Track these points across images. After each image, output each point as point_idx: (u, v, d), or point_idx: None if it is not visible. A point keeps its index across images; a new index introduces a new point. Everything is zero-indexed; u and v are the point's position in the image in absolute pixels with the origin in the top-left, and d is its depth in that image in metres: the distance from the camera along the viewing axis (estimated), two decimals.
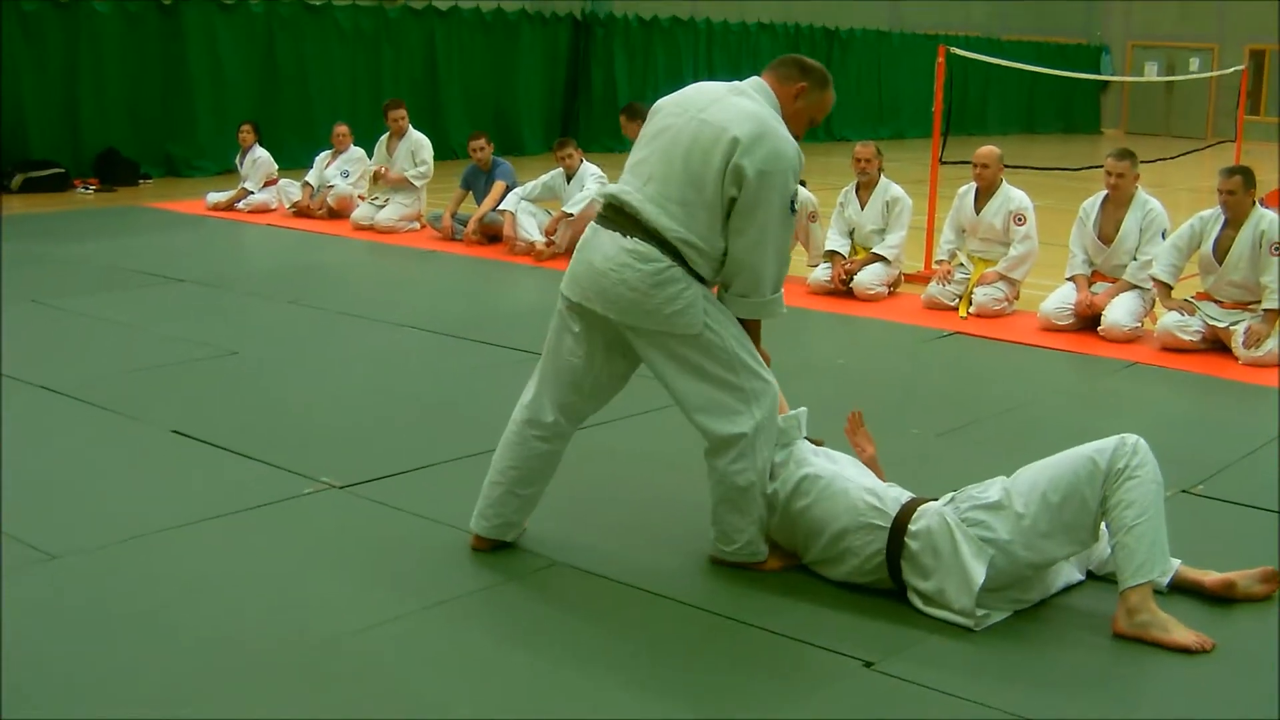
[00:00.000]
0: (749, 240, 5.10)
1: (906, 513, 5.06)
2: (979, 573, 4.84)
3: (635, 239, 5.09)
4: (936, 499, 5.14)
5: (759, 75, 5.38)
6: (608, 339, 5.31)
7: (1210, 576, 5.23)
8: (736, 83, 5.35)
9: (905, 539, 5.01)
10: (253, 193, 16.18)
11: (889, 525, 5.05)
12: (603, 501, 6.22)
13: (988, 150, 11.11)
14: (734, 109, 5.15)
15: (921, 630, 4.88)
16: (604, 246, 5.17)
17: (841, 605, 5.10)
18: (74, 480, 6.34)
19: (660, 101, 5.45)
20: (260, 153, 16.29)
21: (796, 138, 5.23)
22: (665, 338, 5.15)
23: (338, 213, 15.44)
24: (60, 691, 4.26)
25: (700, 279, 5.13)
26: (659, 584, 5.24)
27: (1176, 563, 5.20)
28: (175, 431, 7.07)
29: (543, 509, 5.65)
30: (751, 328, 5.35)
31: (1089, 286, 10.39)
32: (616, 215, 5.20)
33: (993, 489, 5.02)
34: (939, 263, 11.34)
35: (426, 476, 6.48)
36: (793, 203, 5.15)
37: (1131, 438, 4.93)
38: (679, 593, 5.17)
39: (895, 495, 5.19)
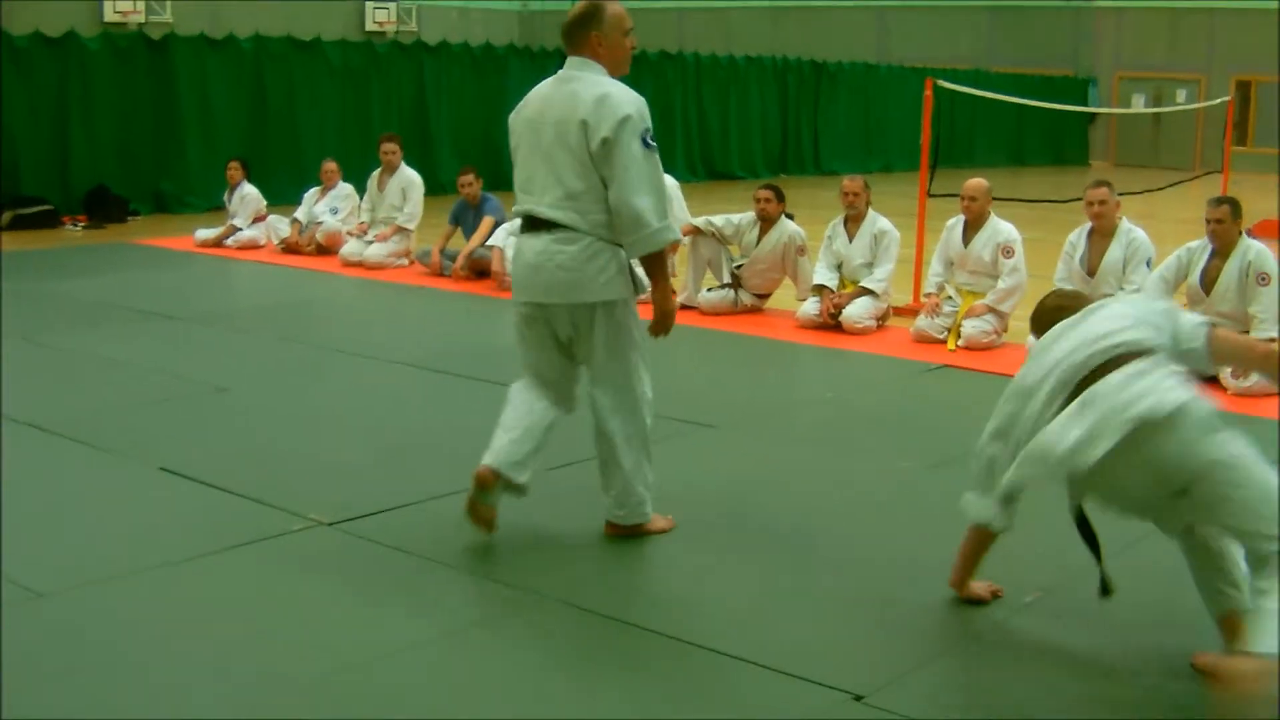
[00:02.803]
0: (619, 184, 5.63)
1: None
2: None
3: (557, 231, 5.77)
4: None
5: (570, 57, 5.93)
6: (554, 332, 6.02)
7: None
8: (560, 73, 5.91)
9: None
10: (241, 229, 16.18)
11: None
12: (557, 531, 6.21)
13: (976, 183, 11.12)
14: (570, 97, 5.76)
15: (915, 656, 4.86)
16: (533, 245, 5.87)
17: (820, 626, 5.09)
18: (63, 518, 6.31)
19: (512, 120, 6.09)
20: (248, 189, 16.30)
21: (626, 71, 5.93)
22: (600, 310, 5.87)
23: (326, 249, 15.44)
24: None
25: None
26: (627, 612, 5.22)
27: None
28: (164, 469, 7.05)
29: (519, 540, 5.62)
30: (656, 273, 5.84)
31: None
32: (534, 224, 5.88)
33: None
34: (927, 295, 11.34)
35: (416, 513, 6.46)
36: (646, 139, 5.69)
37: None
38: (647, 620, 5.15)
39: None
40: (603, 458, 6.12)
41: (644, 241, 5.69)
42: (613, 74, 5.88)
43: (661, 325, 5.96)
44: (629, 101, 5.70)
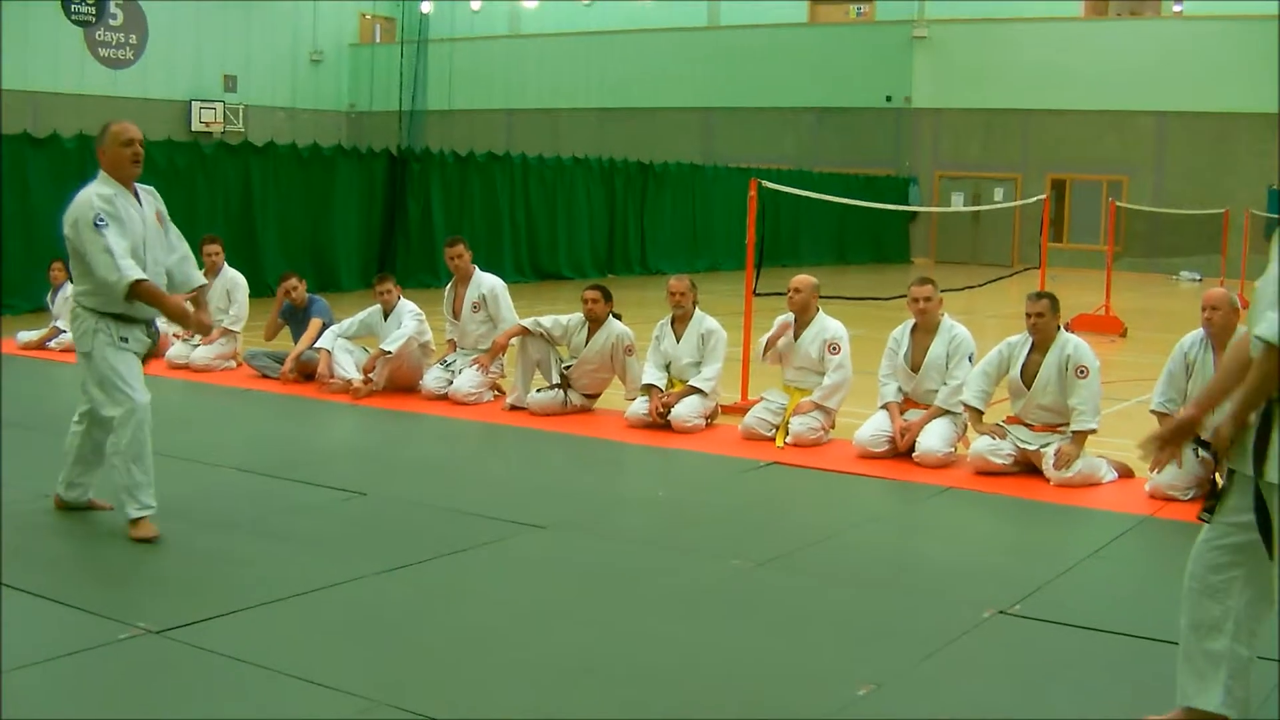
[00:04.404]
0: (85, 260, 7.59)
1: None
2: None
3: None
4: None
5: None
6: None
7: None
8: None
9: None
10: (64, 331, 15.90)
11: None
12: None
13: (802, 278, 11.28)
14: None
15: None
16: None
17: None
18: None
19: None
20: (71, 290, 16.02)
21: (131, 176, 7.76)
22: (80, 358, 7.88)
23: (152, 351, 15.20)
24: None
25: (110, 314, 7.75)
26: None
27: None
28: None
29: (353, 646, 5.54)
30: (159, 308, 7.91)
31: (901, 413, 10.55)
32: None
33: None
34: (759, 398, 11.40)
35: (244, 619, 6.37)
36: (96, 221, 7.48)
37: None
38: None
39: None
40: None
41: (114, 294, 7.55)
42: (117, 178, 7.69)
43: (181, 325, 8.34)
44: (79, 202, 7.59)
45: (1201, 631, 4.94)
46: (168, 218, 8.12)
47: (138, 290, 7.56)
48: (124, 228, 7.61)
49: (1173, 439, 4.92)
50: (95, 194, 7.61)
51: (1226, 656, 4.88)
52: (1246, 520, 4.75)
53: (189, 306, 8.13)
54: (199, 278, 8.51)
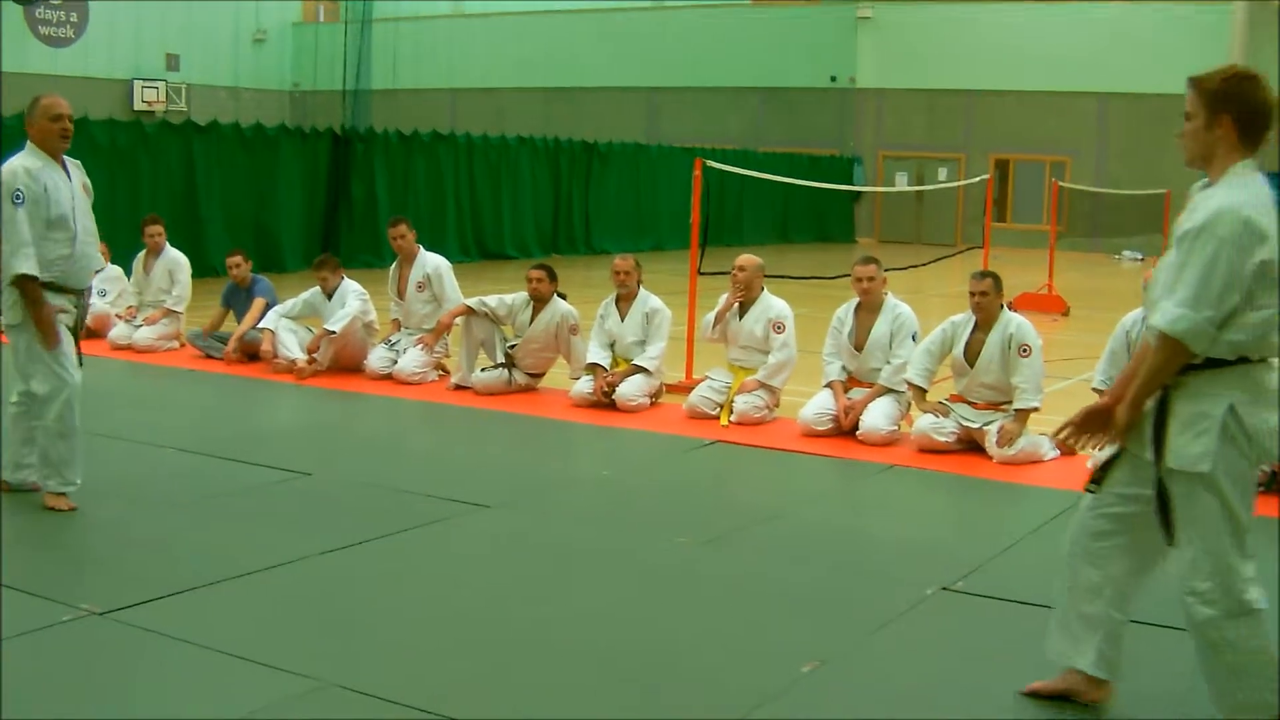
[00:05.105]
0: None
1: None
2: None
3: None
4: None
5: None
6: None
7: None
8: None
9: None
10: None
11: None
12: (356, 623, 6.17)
13: (748, 257, 11.29)
14: None
15: None
16: None
17: (588, 710, 5.09)
18: None
19: None
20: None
21: (59, 150, 7.77)
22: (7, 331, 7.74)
23: (95, 332, 15.06)
24: None
25: (41, 284, 7.60)
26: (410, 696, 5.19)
27: None
28: None
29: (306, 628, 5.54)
30: (27, 304, 7.64)
31: (845, 392, 10.59)
32: None
33: None
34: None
35: (191, 599, 6.35)
36: (14, 198, 7.51)
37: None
38: (432, 705, 5.11)
39: None
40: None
41: (7, 273, 7.56)
42: (46, 151, 7.71)
43: (41, 340, 7.69)
44: (4, 171, 7.57)
45: (1079, 595, 5.10)
46: (91, 191, 8.15)
47: (24, 285, 7.60)
48: (45, 204, 7.63)
49: (1085, 425, 4.99)
50: (21, 166, 7.67)
51: (1102, 620, 5.05)
52: (1132, 494, 4.91)
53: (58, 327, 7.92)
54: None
